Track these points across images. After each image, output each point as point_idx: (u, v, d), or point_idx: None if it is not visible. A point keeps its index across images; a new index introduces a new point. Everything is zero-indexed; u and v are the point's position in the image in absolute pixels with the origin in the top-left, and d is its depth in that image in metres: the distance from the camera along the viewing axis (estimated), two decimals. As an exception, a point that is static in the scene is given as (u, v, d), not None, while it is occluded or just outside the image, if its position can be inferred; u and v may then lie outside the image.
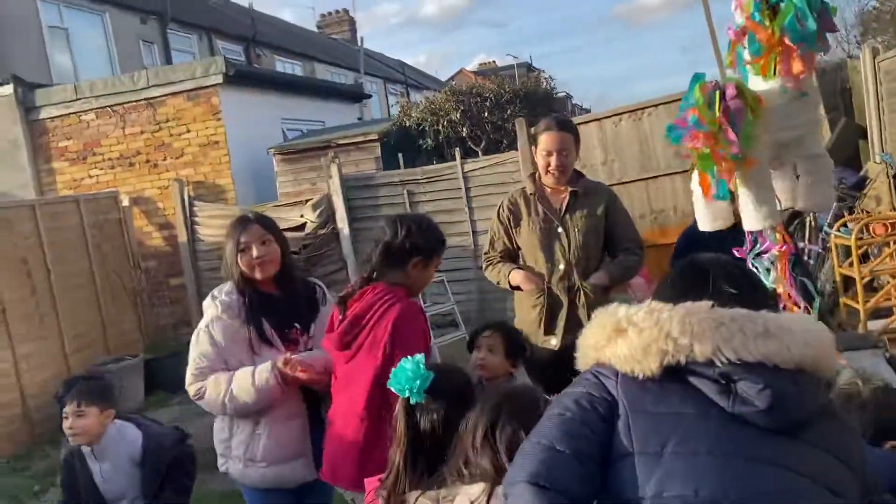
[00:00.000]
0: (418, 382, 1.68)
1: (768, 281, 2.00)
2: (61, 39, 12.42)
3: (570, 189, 3.00)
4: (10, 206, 6.41)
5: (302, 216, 7.88)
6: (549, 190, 3.05)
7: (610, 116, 7.35)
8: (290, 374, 2.31)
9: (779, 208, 2.00)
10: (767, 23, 1.73)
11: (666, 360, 1.20)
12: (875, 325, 4.47)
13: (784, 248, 1.95)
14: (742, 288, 1.32)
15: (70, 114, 8.91)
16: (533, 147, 3.12)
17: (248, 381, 2.33)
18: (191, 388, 2.42)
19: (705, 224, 2.11)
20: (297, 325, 2.46)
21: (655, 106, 7.11)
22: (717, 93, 1.85)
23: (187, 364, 2.46)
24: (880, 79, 6.13)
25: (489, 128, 8.44)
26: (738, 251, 2.01)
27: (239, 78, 8.85)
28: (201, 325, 2.46)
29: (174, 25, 14.32)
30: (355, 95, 12.36)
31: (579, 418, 1.22)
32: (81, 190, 8.62)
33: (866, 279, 4.55)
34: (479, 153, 8.24)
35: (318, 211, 7.85)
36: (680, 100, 2.02)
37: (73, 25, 12.59)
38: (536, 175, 3.08)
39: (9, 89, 8.83)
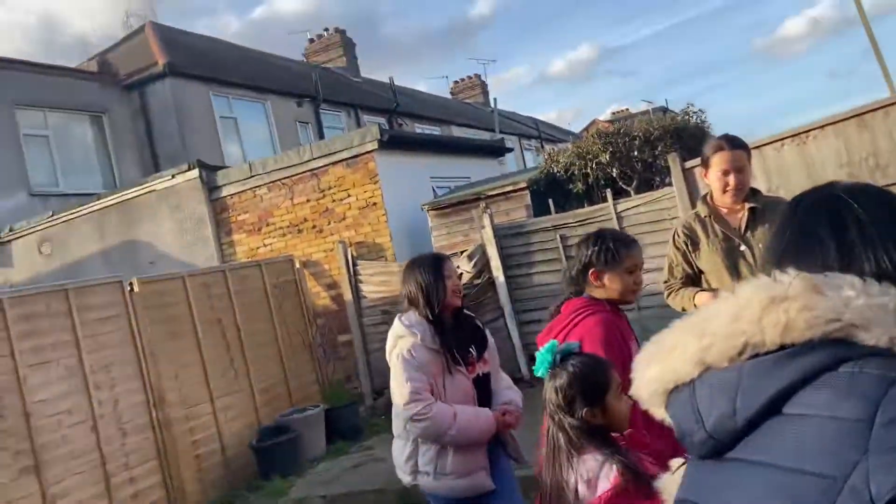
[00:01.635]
0: (546, 358, 1.90)
1: None
2: (231, 127, 13.90)
3: (747, 206, 2.98)
4: (207, 273, 7.15)
5: (458, 267, 8.14)
6: (724, 210, 3.03)
7: (771, 143, 7.06)
8: (510, 421, 2.81)
9: None
10: None
11: None
12: None
13: None
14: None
15: (246, 190, 9.88)
16: (703, 171, 3.12)
17: (475, 423, 2.73)
18: (410, 408, 2.70)
19: None
20: (471, 350, 2.87)
21: (822, 127, 6.76)
22: None
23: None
24: None
25: (639, 166, 8.38)
26: None
27: (391, 142, 9.44)
28: (401, 350, 2.78)
29: (325, 105, 15.59)
30: (496, 150, 12.75)
31: None
32: (258, 257, 9.45)
33: None
34: (632, 192, 8.18)
35: (473, 261, 8.08)
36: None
37: (240, 114, 14.07)
38: (708, 197, 3.08)
39: (195, 173, 9.96)
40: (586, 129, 25.28)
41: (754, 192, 3.06)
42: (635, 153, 8.24)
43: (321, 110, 15.46)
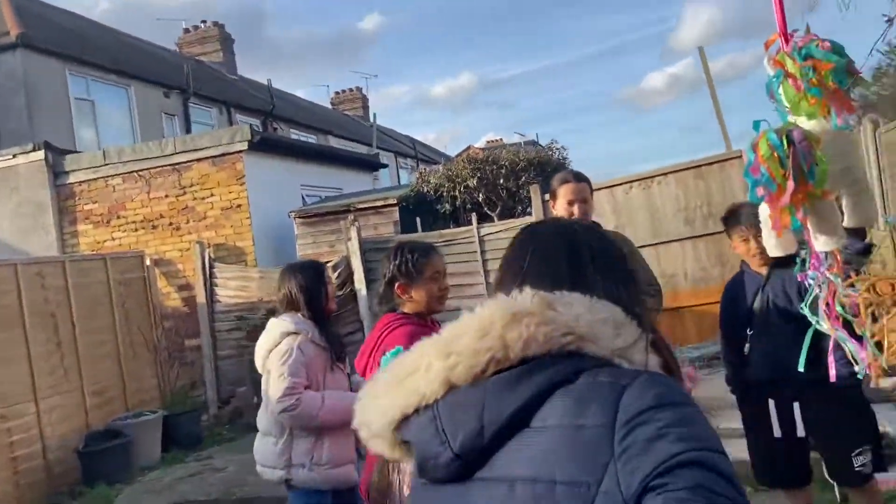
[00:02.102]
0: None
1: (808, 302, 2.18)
2: (87, 110, 12.98)
3: None
4: (43, 262, 6.61)
5: (320, 277, 8.07)
6: None
7: (621, 184, 7.63)
8: None
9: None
10: (808, 71, 1.98)
11: None
12: (887, 382, 4.58)
13: (835, 269, 2.13)
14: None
15: (97, 178, 9.25)
16: (551, 202, 3.30)
17: (340, 403, 2.86)
18: (283, 401, 2.83)
19: (774, 251, 2.23)
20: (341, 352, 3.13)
21: (665, 174, 7.40)
22: (785, 139, 1.92)
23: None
24: (881, 150, 6.41)
25: (504, 194, 8.74)
26: (800, 276, 2.17)
27: (262, 145, 9.23)
28: (290, 346, 2.91)
29: (195, 99, 14.95)
30: (371, 165, 12.80)
31: None
32: (104, 251, 8.85)
33: (875, 339, 4.67)
34: (495, 218, 8.50)
35: (337, 272, 8.04)
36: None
37: (99, 98, 13.18)
38: None
39: (40, 155, 9.19)
40: (461, 153, 25.92)
41: (596, 226, 3.31)
42: (501, 181, 8.60)
43: (191, 104, 14.80)
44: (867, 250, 6.66)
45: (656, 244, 7.44)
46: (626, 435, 0.79)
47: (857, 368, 2.39)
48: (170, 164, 9.05)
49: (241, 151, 8.86)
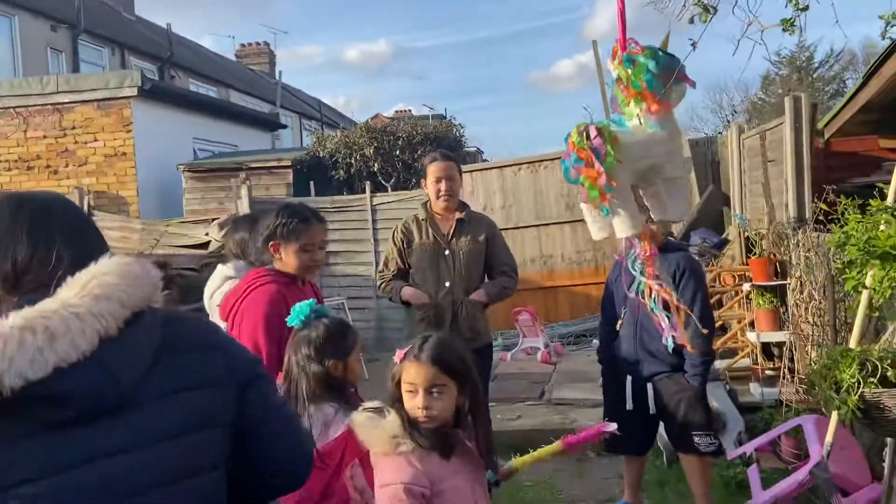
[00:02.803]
0: (303, 311, 2.11)
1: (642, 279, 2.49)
2: (-38, 37, 11.97)
3: (457, 216, 3.43)
4: None
5: (207, 234, 7.93)
6: (439, 217, 3.46)
7: (510, 165, 7.94)
8: None
9: (645, 219, 2.49)
10: (631, 74, 2.22)
11: None
12: (720, 363, 5.11)
13: (649, 253, 2.43)
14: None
15: (-32, 111, 8.64)
16: (423, 180, 3.50)
17: None
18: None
19: (595, 235, 2.56)
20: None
21: (552, 160, 7.76)
22: (584, 134, 2.32)
23: None
24: (744, 154, 7.01)
25: (400, 165, 8.86)
26: (617, 255, 2.47)
27: (153, 93, 8.89)
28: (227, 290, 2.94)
29: (86, 37, 14.06)
30: (270, 124, 12.55)
31: None
32: (-28, 189, 8.31)
33: (718, 323, 5.18)
34: (389, 188, 8.62)
35: (223, 231, 7.92)
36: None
37: (-23, 24, 12.18)
38: (428, 204, 3.49)
39: None
40: (370, 120, 25.67)
41: (464, 206, 3.53)
42: (398, 153, 8.71)
43: (81, 41, 13.90)
44: (723, 245, 7.24)
45: (538, 225, 7.81)
46: None
47: (667, 341, 2.77)
48: (51, 104, 8.57)
49: (129, 97, 8.52)
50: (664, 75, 2.17)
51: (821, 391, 2.59)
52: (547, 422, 4.72)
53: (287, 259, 2.45)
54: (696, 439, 3.18)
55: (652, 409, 3.24)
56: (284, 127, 14.76)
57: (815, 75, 23.27)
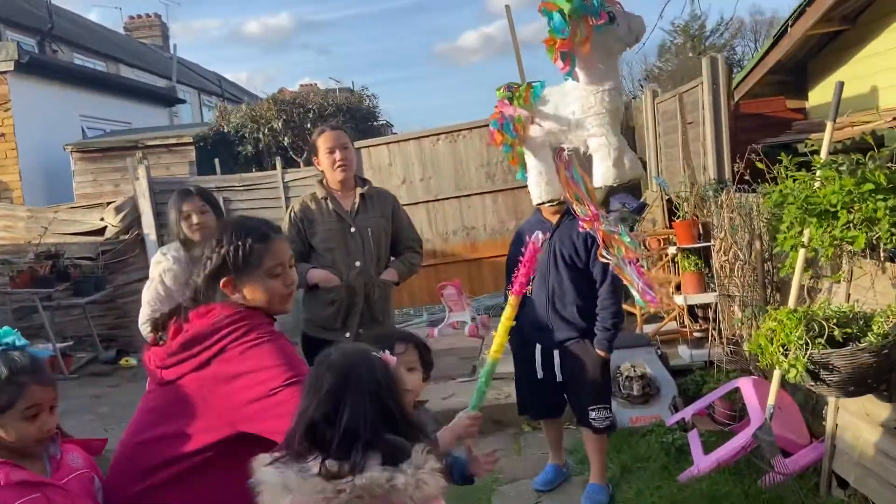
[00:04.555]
0: None
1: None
2: None
3: (358, 192, 3.21)
4: None
5: (102, 219, 7.32)
6: (338, 193, 3.22)
7: (429, 136, 7.70)
8: None
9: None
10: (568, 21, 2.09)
11: None
12: (649, 328, 5.13)
13: (592, 217, 2.39)
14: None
15: None
16: (315, 158, 3.25)
17: None
18: (143, 328, 2.78)
19: (535, 199, 2.70)
20: None
21: (470, 129, 7.57)
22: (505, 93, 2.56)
23: None
24: (658, 118, 7.05)
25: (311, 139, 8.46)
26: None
27: (32, 67, 8.08)
28: (154, 276, 2.98)
29: (-49, 6, 12.69)
30: (167, 99, 11.75)
31: None
32: None
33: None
34: (301, 164, 8.21)
35: (121, 215, 7.33)
36: (487, 125, 2.75)
37: None
38: (324, 181, 3.24)
39: None
40: (276, 93, 24.66)
41: (364, 181, 3.31)
42: (309, 126, 8.30)
43: (-55, 11, 12.54)
44: (642, 209, 7.28)
45: (459, 196, 7.63)
46: None
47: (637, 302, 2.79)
48: (-89, 80, 7.64)
49: (5, 72, 7.70)
50: (578, 22, 2.09)
51: (768, 353, 2.54)
52: (481, 398, 4.59)
53: (252, 294, 1.72)
54: (592, 414, 3.19)
55: (559, 376, 3.23)
56: (183, 102, 13.91)
57: (707, 43, 24.10)
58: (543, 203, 2.85)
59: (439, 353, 5.85)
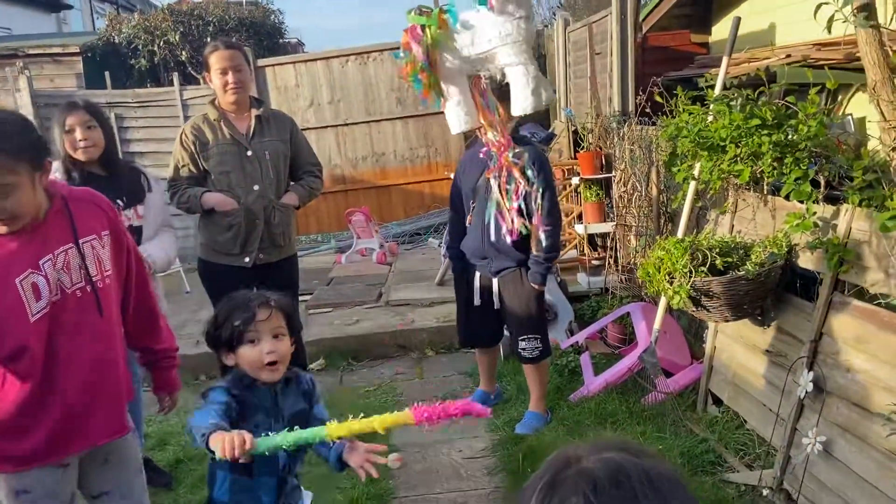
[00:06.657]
0: None
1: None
2: None
3: (254, 114, 3.08)
4: None
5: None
6: (232, 115, 3.08)
7: (337, 57, 7.42)
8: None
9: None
10: None
11: None
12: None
13: (503, 145, 2.40)
14: None
15: None
16: (206, 75, 3.09)
17: None
18: None
19: (453, 128, 2.78)
20: (119, 201, 2.60)
21: (381, 51, 7.34)
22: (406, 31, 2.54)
23: None
24: (569, 48, 7.04)
25: (211, 54, 7.98)
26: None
27: None
28: None
29: None
30: (51, 4, 10.74)
31: None
32: None
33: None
34: (201, 81, 7.76)
35: (0, 130, 6.77)
36: (399, 48, 2.68)
37: None
38: (217, 101, 3.09)
39: None
40: (173, 3, 22.98)
41: (260, 102, 3.17)
42: (208, 39, 7.80)
43: None
44: (550, 139, 7.35)
45: (369, 121, 7.46)
46: None
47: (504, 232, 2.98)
48: None
49: None
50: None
51: (655, 281, 2.66)
52: (385, 324, 4.63)
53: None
54: (521, 343, 3.23)
55: (496, 304, 3.25)
56: (70, 7, 12.76)
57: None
58: (463, 132, 2.87)
59: (345, 279, 5.84)
